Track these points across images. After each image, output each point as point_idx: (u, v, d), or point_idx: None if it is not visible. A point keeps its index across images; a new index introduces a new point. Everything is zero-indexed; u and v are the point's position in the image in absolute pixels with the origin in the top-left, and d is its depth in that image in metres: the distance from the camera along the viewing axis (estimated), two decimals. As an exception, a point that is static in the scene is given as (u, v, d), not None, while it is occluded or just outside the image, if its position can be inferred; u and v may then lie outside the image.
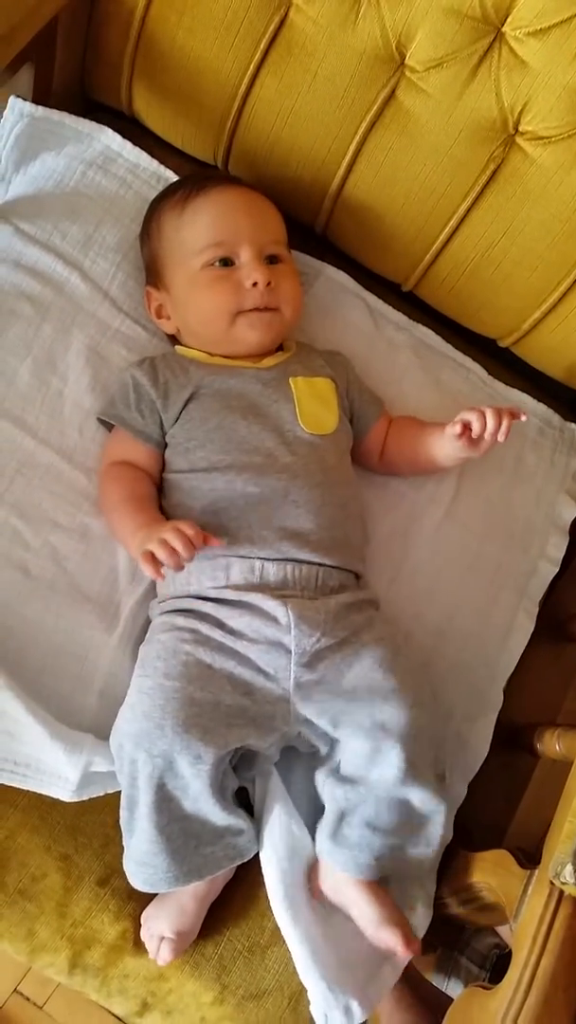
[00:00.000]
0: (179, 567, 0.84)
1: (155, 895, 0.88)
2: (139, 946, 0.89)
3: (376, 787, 0.84)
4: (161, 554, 0.84)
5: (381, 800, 0.84)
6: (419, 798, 0.85)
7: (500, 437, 0.95)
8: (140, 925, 0.89)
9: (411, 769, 0.83)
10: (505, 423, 0.95)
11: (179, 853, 0.82)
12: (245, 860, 0.87)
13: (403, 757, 0.83)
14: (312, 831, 0.88)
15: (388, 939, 0.83)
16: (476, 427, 0.95)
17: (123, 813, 0.84)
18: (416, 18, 0.95)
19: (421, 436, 1.05)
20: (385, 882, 0.87)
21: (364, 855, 0.84)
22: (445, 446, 1.01)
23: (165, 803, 0.81)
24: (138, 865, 0.84)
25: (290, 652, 0.86)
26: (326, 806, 0.87)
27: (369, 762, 0.85)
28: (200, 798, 0.82)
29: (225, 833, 0.84)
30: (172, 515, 0.94)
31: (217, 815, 0.83)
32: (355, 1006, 0.84)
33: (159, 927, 0.86)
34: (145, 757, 0.80)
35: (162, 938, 0.86)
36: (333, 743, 0.89)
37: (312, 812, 0.90)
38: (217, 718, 0.82)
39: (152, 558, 0.84)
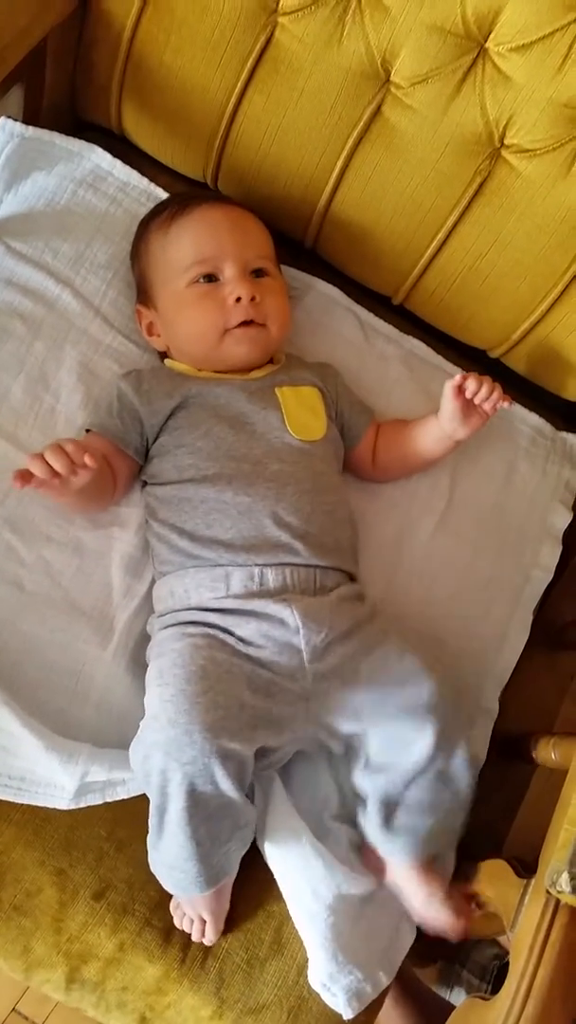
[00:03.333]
0: (54, 485, 0.84)
1: (153, 903, 0.89)
2: (137, 959, 0.88)
3: (413, 769, 0.87)
4: (38, 469, 0.83)
5: (419, 781, 0.87)
6: (455, 765, 0.87)
7: (488, 406, 1.00)
8: (137, 937, 0.89)
9: (443, 740, 0.86)
10: (496, 394, 0.99)
11: (207, 856, 0.82)
12: (247, 848, 0.88)
13: (435, 730, 0.86)
14: (310, 826, 0.91)
15: (440, 917, 0.88)
16: (472, 385, 0.99)
17: (152, 819, 0.83)
18: (400, 35, 0.96)
19: (410, 430, 1.07)
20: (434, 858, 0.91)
21: (412, 839, 0.87)
22: (432, 429, 1.05)
23: (195, 807, 0.80)
24: (169, 869, 0.84)
25: (301, 652, 0.87)
26: (368, 798, 0.89)
27: (401, 746, 0.87)
28: (229, 793, 0.81)
29: (238, 827, 0.85)
30: (163, 532, 0.95)
31: (240, 808, 0.83)
32: (381, 975, 0.89)
33: (195, 909, 0.88)
34: (176, 765, 0.79)
35: (203, 920, 0.88)
36: (350, 741, 0.90)
37: (312, 807, 0.93)
38: (242, 719, 0.82)
39: (26, 476, 0.83)
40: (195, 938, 0.89)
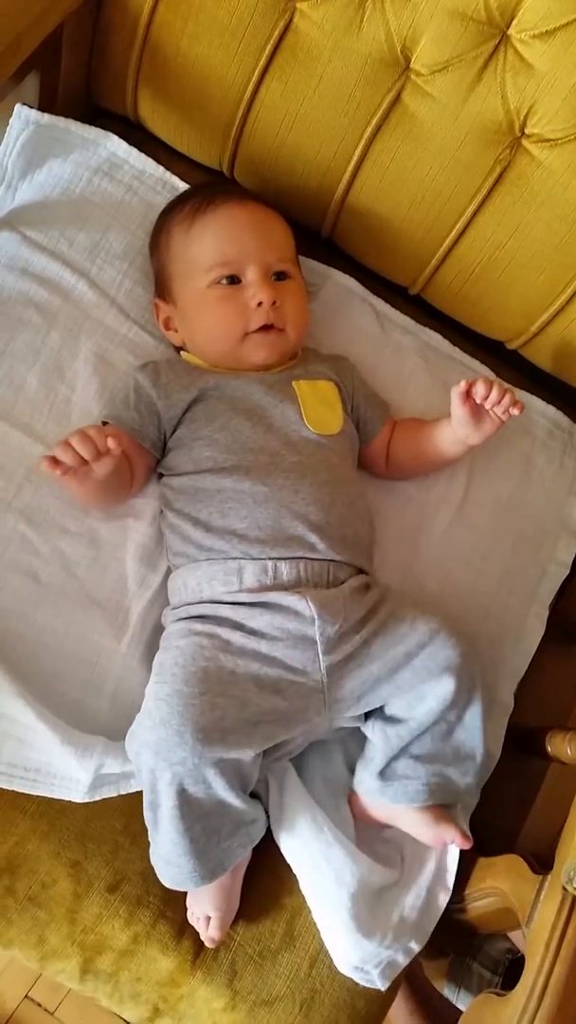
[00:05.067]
0: (80, 473, 0.86)
1: (168, 896, 0.89)
2: (151, 951, 0.89)
3: (424, 721, 0.88)
4: (66, 456, 0.85)
5: (427, 734, 0.88)
6: (468, 718, 0.89)
7: (499, 410, 0.98)
8: (152, 929, 0.89)
9: (459, 695, 0.87)
10: (507, 399, 0.96)
11: (203, 852, 0.83)
12: (256, 843, 0.89)
13: (451, 685, 0.87)
14: (330, 814, 0.91)
15: (445, 834, 0.89)
16: (481, 390, 0.96)
17: (147, 813, 0.84)
18: (421, 21, 0.95)
19: (424, 430, 1.06)
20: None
21: (413, 784, 0.88)
22: (445, 432, 1.03)
23: (187, 806, 0.81)
24: (165, 864, 0.85)
25: (315, 643, 0.86)
26: (375, 747, 0.91)
27: (416, 703, 0.88)
28: (223, 795, 0.82)
29: (242, 824, 0.85)
30: (177, 522, 0.94)
31: (238, 809, 0.83)
32: (413, 944, 0.89)
33: (202, 907, 0.88)
34: (164, 765, 0.80)
35: (208, 917, 0.88)
36: (367, 712, 0.91)
37: (330, 798, 0.93)
38: (243, 719, 0.82)
39: (55, 462, 0.85)
40: (202, 936, 0.88)
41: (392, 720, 0.90)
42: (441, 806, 0.91)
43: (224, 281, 0.99)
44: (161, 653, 0.88)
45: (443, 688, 0.87)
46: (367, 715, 0.92)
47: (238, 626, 0.87)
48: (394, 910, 0.90)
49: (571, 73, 0.93)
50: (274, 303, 0.98)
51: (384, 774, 0.89)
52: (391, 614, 0.90)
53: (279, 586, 0.89)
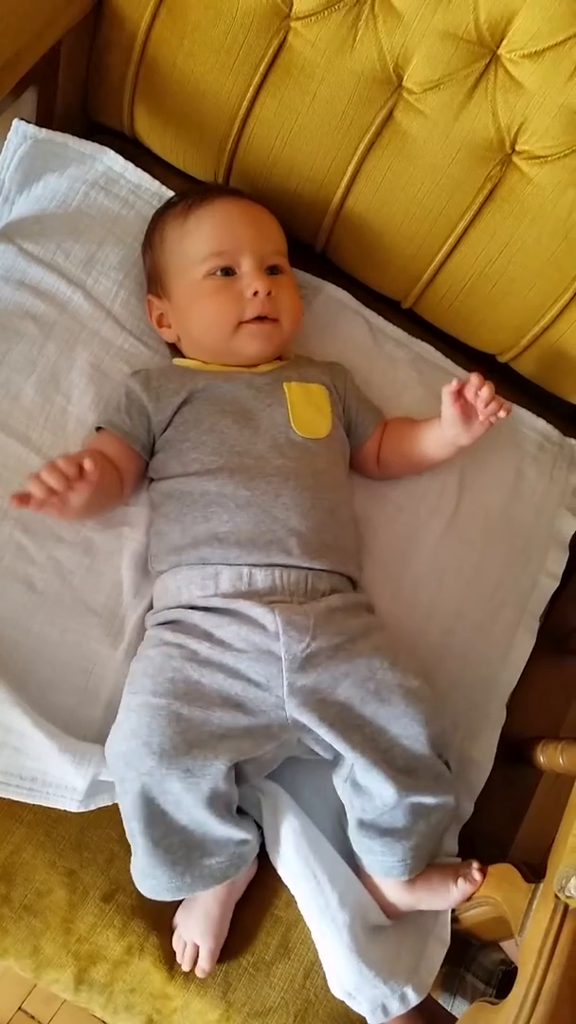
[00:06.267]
0: (54, 503, 0.85)
1: (162, 906, 0.89)
2: (145, 962, 0.88)
3: (386, 799, 0.85)
4: (36, 490, 0.84)
5: (395, 808, 0.86)
6: (425, 798, 0.86)
7: (487, 412, 0.98)
8: (146, 940, 0.89)
9: (404, 783, 0.84)
10: (494, 404, 0.97)
11: (179, 865, 0.82)
12: (248, 866, 0.87)
13: (394, 778, 0.84)
14: (327, 835, 0.90)
15: (460, 894, 0.89)
16: (475, 380, 0.96)
17: (125, 824, 0.84)
18: (413, 41, 0.96)
19: (414, 431, 1.07)
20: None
21: (389, 859, 0.86)
22: (435, 432, 1.03)
23: (156, 818, 0.81)
24: (141, 875, 0.85)
25: (280, 659, 0.86)
26: (348, 815, 0.89)
27: (375, 778, 0.85)
28: (194, 811, 0.82)
29: (229, 843, 0.84)
30: (163, 526, 0.95)
31: (215, 826, 0.83)
32: (410, 992, 0.87)
33: (189, 933, 0.87)
34: (133, 775, 0.80)
35: (196, 946, 0.87)
36: (334, 751, 0.89)
37: (326, 818, 0.92)
38: (207, 731, 0.82)
39: (23, 498, 0.83)
40: (186, 967, 0.87)
41: (359, 789, 0.87)
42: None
43: (219, 273, 1.00)
44: (135, 661, 0.89)
45: (389, 780, 0.84)
46: (338, 774, 0.90)
47: (207, 635, 0.87)
48: (395, 947, 0.89)
49: (560, 91, 0.95)
50: (269, 293, 0.99)
51: (362, 847, 0.88)
52: (370, 656, 0.88)
53: (253, 593, 0.89)
